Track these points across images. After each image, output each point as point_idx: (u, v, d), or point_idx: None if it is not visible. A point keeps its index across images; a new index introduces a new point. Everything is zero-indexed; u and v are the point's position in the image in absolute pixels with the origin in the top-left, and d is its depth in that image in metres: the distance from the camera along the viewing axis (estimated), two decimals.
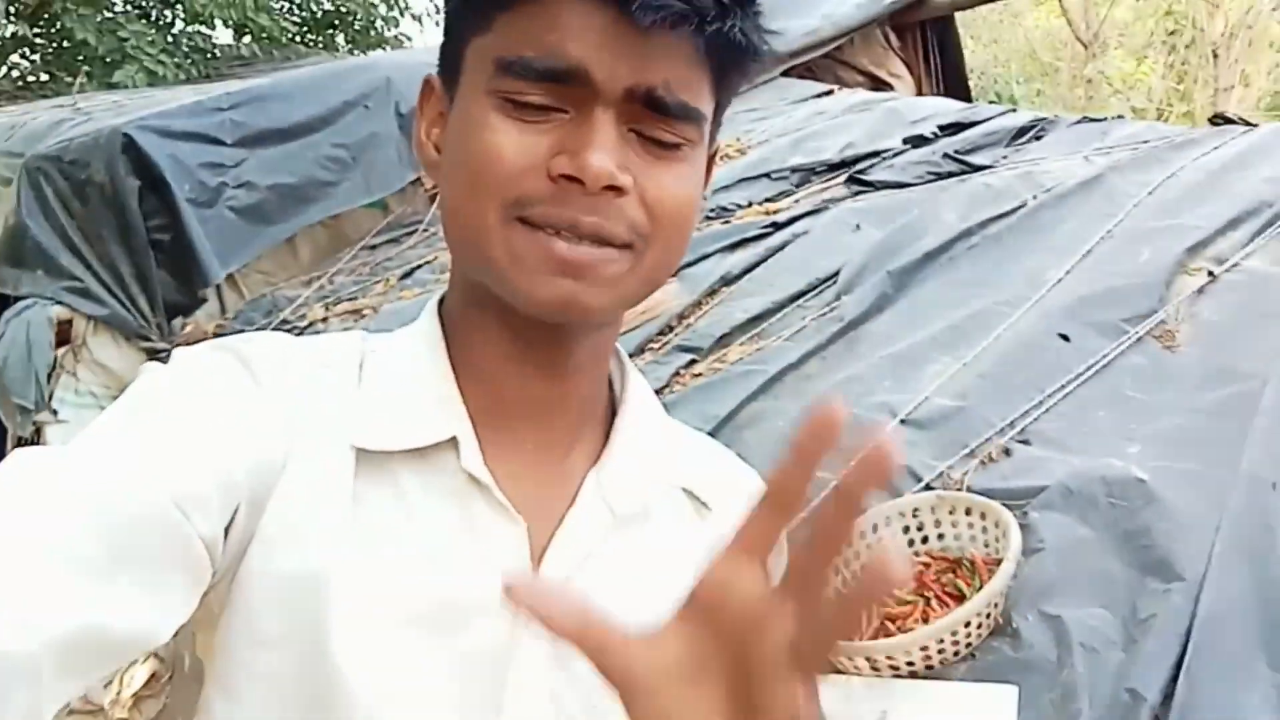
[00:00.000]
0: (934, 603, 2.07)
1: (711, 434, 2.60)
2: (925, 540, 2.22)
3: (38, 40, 9.35)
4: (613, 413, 0.82)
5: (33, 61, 9.53)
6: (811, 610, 0.49)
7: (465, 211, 0.69)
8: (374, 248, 4.09)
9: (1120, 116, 4.84)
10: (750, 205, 3.91)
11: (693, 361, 3.00)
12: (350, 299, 3.69)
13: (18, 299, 3.59)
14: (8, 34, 8.95)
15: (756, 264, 3.48)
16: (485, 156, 0.67)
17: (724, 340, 3.08)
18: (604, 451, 0.78)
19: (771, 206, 3.90)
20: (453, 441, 0.71)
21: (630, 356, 2.72)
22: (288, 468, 0.68)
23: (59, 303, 3.52)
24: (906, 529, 2.23)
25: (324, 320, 3.52)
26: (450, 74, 0.74)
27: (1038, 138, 4.36)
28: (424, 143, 0.77)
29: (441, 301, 0.80)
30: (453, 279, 0.78)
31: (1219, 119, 4.56)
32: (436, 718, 0.69)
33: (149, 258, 3.54)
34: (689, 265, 3.47)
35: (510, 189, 0.67)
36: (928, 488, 2.36)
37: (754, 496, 0.57)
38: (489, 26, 0.69)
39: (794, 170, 4.15)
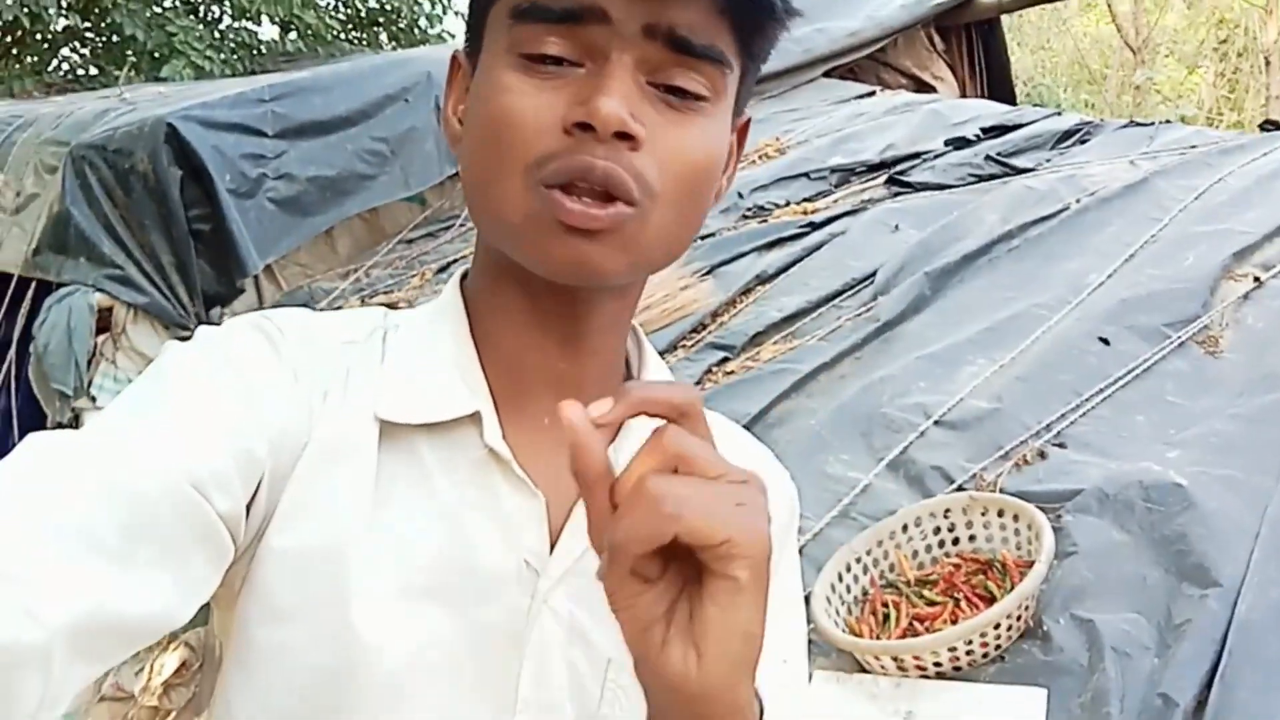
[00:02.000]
0: (964, 604, 2.04)
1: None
2: (956, 541, 2.19)
3: (88, 34, 9.50)
4: None
5: (82, 55, 9.69)
6: None
7: (486, 178, 0.68)
8: (410, 241, 4.11)
9: (1167, 121, 4.76)
10: (788, 205, 3.89)
11: (725, 359, 2.99)
12: (386, 292, 3.70)
13: (60, 285, 3.64)
14: (59, 28, 9.11)
15: (792, 263, 3.47)
16: (502, 119, 0.66)
17: (757, 339, 3.07)
18: (621, 426, 0.78)
19: (809, 206, 3.87)
20: (474, 416, 0.71)
21: (662, 353, 2.70)
22: (310, 442, 0.68)
23: (100, 290, 3.56)
24: (938, 529, 2.20)
25: None
26: (474, 46, 0.72)
27: (1083, 141, 4.31)
28: (450, 118, 0.75)
29: (464, 277, 0.79)
30: (477, 253, 0.78)
31: (1269, 125, 4.48)
32: (456, 688, 0.69)
33: (189, 247, 3.57)
34: (724, 264, 3.46)
35: (529, 150, 0.65)
36: (960, 489, 2.33)
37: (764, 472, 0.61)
38: None
39: (833, 170, 4.12)
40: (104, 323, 3.59)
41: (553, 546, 0.72)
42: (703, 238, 3.62)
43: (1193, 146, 4.00)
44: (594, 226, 0.65)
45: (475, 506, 0.71)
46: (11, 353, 3.86)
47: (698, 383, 2.85)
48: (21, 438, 0.61)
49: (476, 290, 0.76)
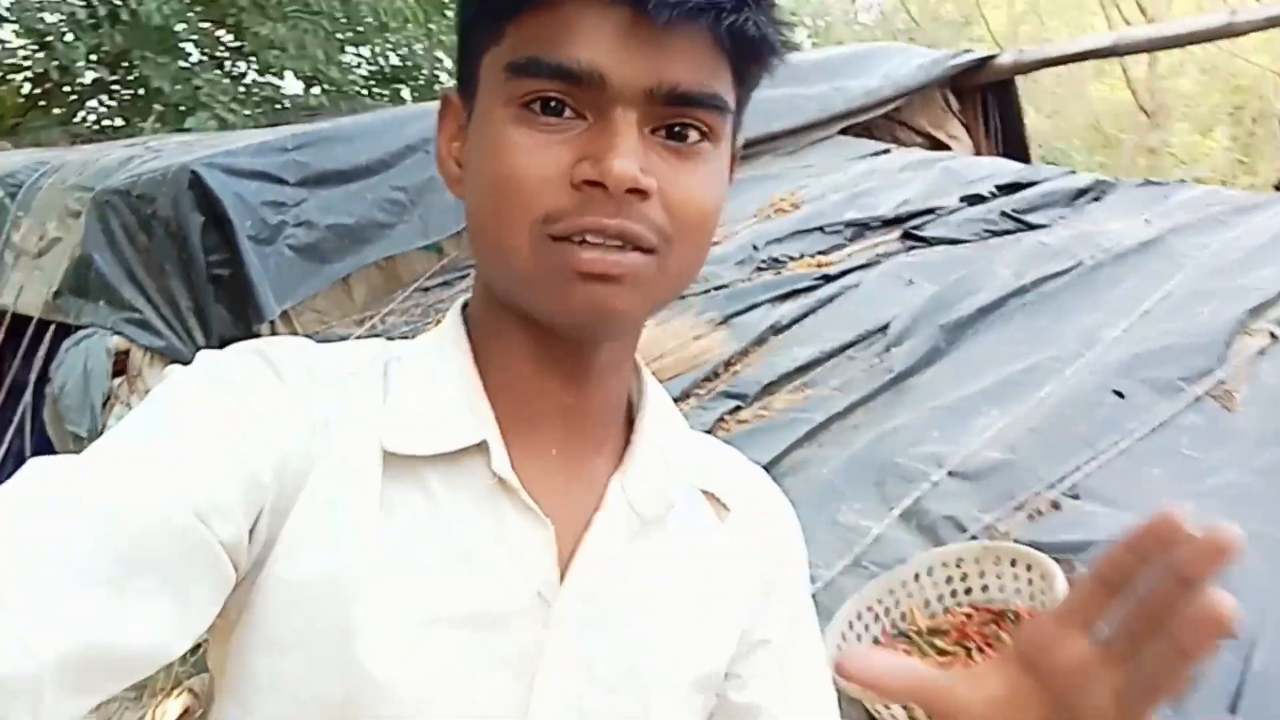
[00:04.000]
0: (976, 654, 2.02)
1: None
2: (969, 591, 2.16)
3: (114, 87, 9.67)
4: (631, 418, 0.81)
5: (109, 107, 9.86)
6: (1133, 666, 0.53)
7: (492, 232, 0.69)
8: (427, 290, 4.14)
9: (1182, 180, 4.78)
10: (802, 257, 3.90)
11: (738, 408, 2.98)
12: (402, 339, 3.72)
13: (78, 328, 3.67)
14: (88, 80, 9.28)
15: (806, 314, 3.47)
16: (508, 176, 0.66)
17: (770, 388, 3.06)
18: (626, 455, 0.78)
19: (823, 259, 3.89)
20: (481, 446, 0.71)
21: (675, 402, 2.71)
22: (314, 471, 0.68)
23: (118, 333, 3.59)
24: (950, 579, 2.18)
25: None
26: (467, 88, 0.73)
27: (1097, 199, 4.32)
28: (445, 158, 0.76)
29: (465, 306, 0.79)
30: (477, 285, 0.78)
31: None
32: (466, 718, 0.69)
33: (208, 292, 3.60)
34: (738, 314, 3.47)
35: (536, 207, 0.66)
36: (973, 539, 2.31)
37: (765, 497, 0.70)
38: (500, 36, 0.68)
39: (847, 225, 4.14)
40: (121, 366, 3.61)
41: (562, 575, 0.72)
42: (717, 288, 3.63)
43: (1207, 206, 4.01)
44: (613, 272, 0.66)
45: (484, 536, 0.70)
46: (28, 395, 3.88)
47: (709, 430, 2.84)
48: None
49: (479, 322, 0.76)
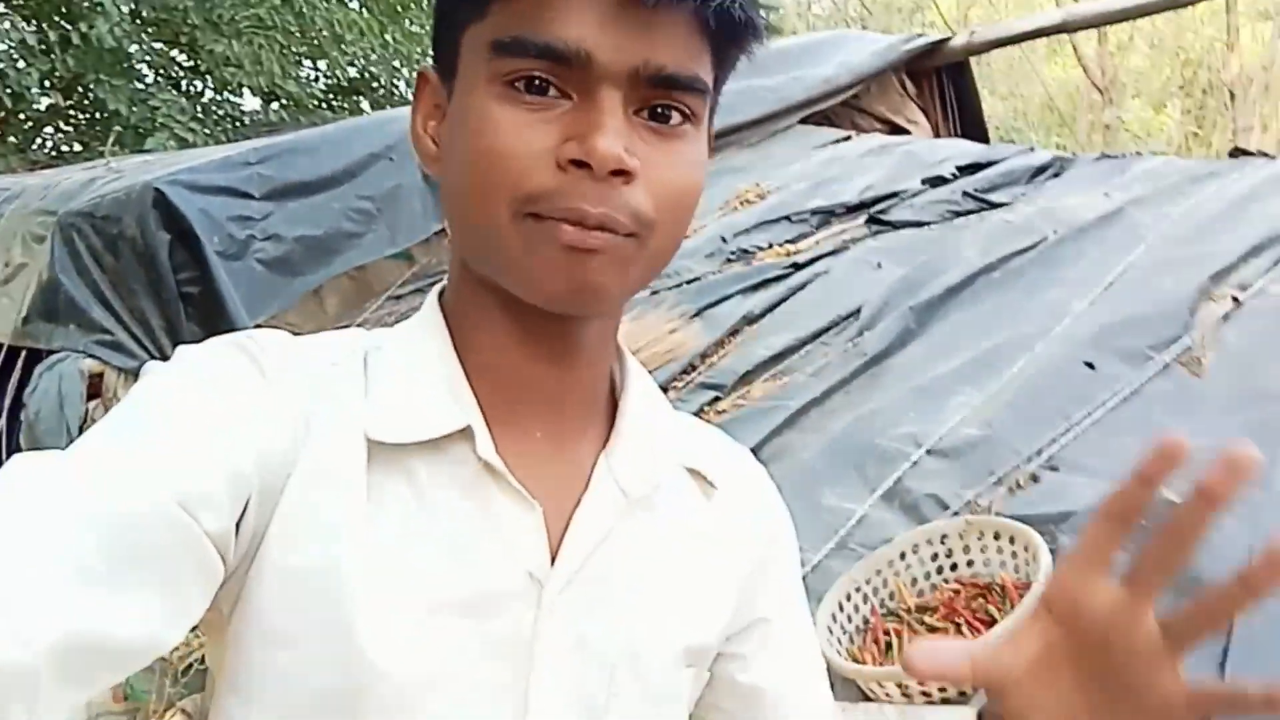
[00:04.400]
0: (965, 629, 2.05)
1: None
2: (955, 567, 2.20)
3: (71, 112, 9.58)
4: (614, 399, 0.82)
5: (65, 132, 9.77)
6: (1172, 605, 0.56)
7: (474, 210, 0.68)
8: (399, 298, 4.13)
9: (1138, 153, 4.85)
10: (771, 247, 3.94)
11: (716, 399, 3.00)
12: None
13: (50, 353, 3.64)
14: (43, 107, 9.18)
15: (778, 303, 3.50)
16: (491, 153, 0.66)
17: (747, 377, 3.09)
18: (611, 436, 0.78)
19: (792, 248, 3.92)
20: (465, 431, 0.71)
21: None
22: (299, 462, 0.67)
23: (91, 355, 3.56)
24: (935, 555, 2.21)
25: None
26: (446, 66, 0.72)
27: (1056, 175, 4.38)
28: (421, 135, 0.76)
29: (440, 293, 0.79)
30: (453, 271, 0.77)
31: (1238, 152, 4.57)
32: (465, 703, 0.69)
33: (179, 310, 3.58)
34: (711, 306, 3.50)
35: (520, 185, 0.66)
36: (955, 515, 2.34)
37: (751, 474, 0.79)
38: (483, 14, 0.68)
39: (814, 213, 4.18)
40: (95, 388, 3.58)
41: (552, 557, 0.73)
42: (689, 282, 3.65)
43: (1165, 176, 4.08)
44: (591, 245, 0.66)
45: (473, 521, 0.70)
46: (2, 422, 3.85)
47: None
48: None
49: (457, 307, 0.76)
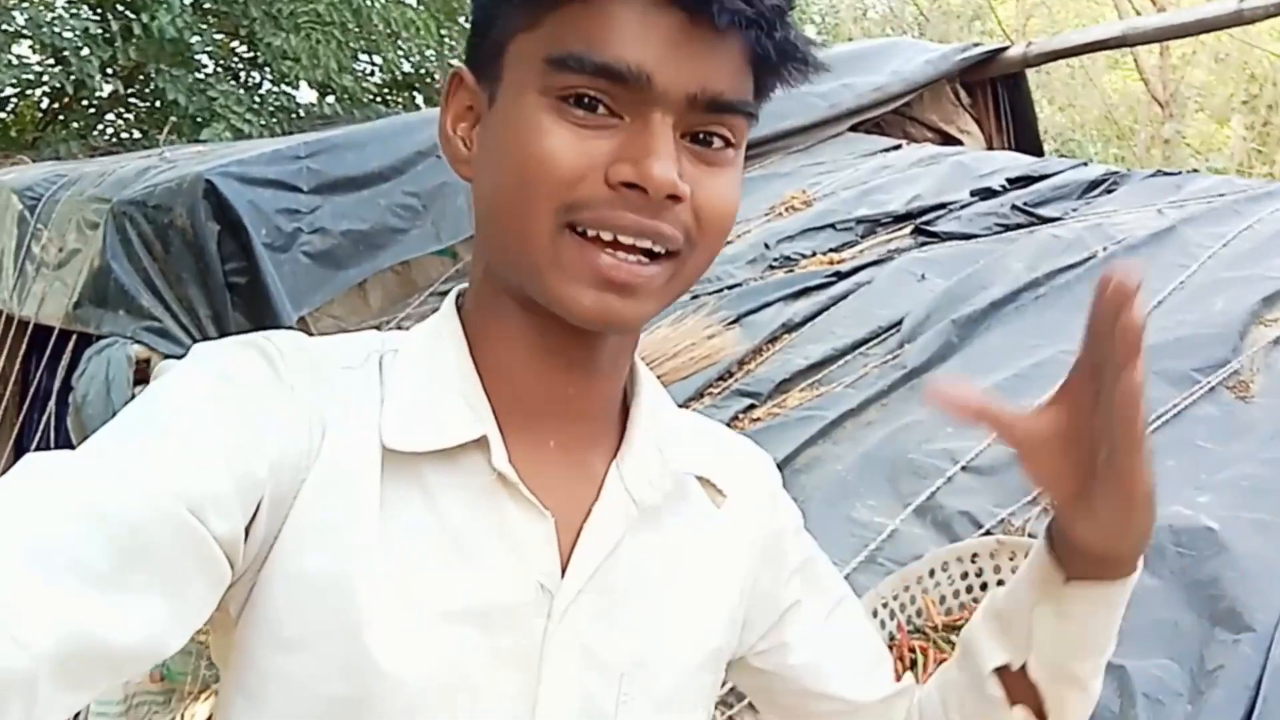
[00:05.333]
0: None
1: None
2: (985, 587, 2.16)
3: (131, 100, 9.75)
4: (625, 407, 0.82)
5: (126, 120, 9.95)
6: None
7: (512, 214, 0.68)
8: (442, 294, 4.15)
9: (1195, 170, 4.76)
10: (814, 255, 3.91)
11: (751, 406, 2.99)
12: None
13: (99, 338, 3.70)
14: (105, 93, 9.36)
15: (819, 312, 3.48)
16: (540, 160, 0.66)
17: (784, 386, 3.07)
18: (622, 445, 0.79)
19: (836, 257, 3.89)
20: (479, 441, 0.71)
21: (689, 401, 2.70)
22: (315, 466, 0.68)
23: (138, 341, 3.62)
24: (965, 574, 2.18)
25: None
26: (486, 69, 0.72)
27: (1109, 191, 4.31)
28: (451, 136, 0.76)
29: (458, 296, 0.79)
30: (475, 277, 0.77)
31: None
32: (474, 712, 0.70)
33: (225, 299, 3.63)
34: (751, 313, 3.48)
35: (566, 193, 0.66)
36: (988, 534, 2.32)
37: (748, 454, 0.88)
38: (537, 23, 0.67)
39: (859, 221, 4.14)
40: (142, 374, 3.64)
41: (563, 567, 0.73)
42: (730, 287, 3.64)
43: (1221, 195, 3.99)
44: (633, 283, 0.67)
45: (485, 530, 0.71)
46: (51, 404, 3.92)
47: None
48: None
49: (477, 315, 0.76)
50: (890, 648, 2.12)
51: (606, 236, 0.66)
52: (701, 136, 0.69)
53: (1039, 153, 6.20)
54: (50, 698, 0.53)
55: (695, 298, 3.51)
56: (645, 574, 0.77)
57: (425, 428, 0.70)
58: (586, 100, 0.66)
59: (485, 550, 0.71)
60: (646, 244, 0.67)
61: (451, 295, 0.79)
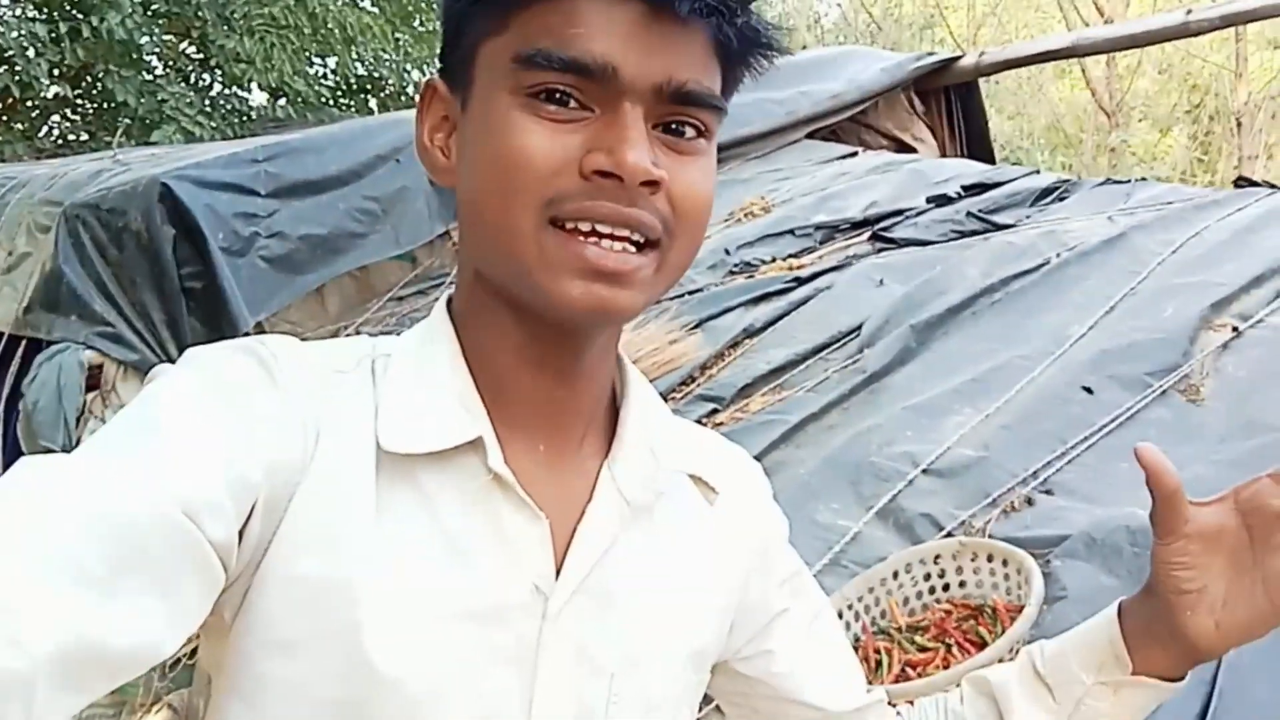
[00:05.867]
0: (955, 649, 2.05)
1: None
2: (947, 588, 2.20)
3: (79, 101, 9.58)
4: (615, 407, 0.82)
5: (73, 121, 9.77)
6: None
7: (495, 214, 0.68)
8: (401, 299, 4.14)
9: (1144, 179, 4.86)
10: (774, 261, 3.94)
11: (714, 411, 3.01)
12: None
13: (51, 343, 3.64)
14: (50, 95, 9.19)
15: (779, 317, 3.51)
16: (515, 158, 0.66)
17: (746, 390, 3.09)
18: (613, 444, 0.79)
19: (795, 262, 3.93)
20: (475, 443, 0.71)
21: None
22: (308, 471, 0.67)
23: (91, 347, 3.57)
24: (928, 575, 2.21)
25: None
26: (458, 77, 0.72)
27: (1061, 198, 4.39)
28: (429, 147, 0.75)
29: (449, 302, 0.79)
30: (462, 281, 0.77)
31: (1243, 181, 4.58)
32: (472, 711, 0.70)
33: (181, 304, 3.59)
34: (712, 318, 3.50)
35: (544, 189, 0.66)
36: (949, 535, 2.35)
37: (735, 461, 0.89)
38: (504, 26, 0.68)
39: (818, 228, 4.19)
40: (94, 380, 3.59)
41: (557, 567, 0.73)
42: (691, 293, 3.66)
43: (1169, 203, 4.08)
44: (620, 269, 0.67)
45: (480, 532, 0.71)
46: (0, 411, 3.85)
47: None
48: None
49: (467, 317, 0.76)
50: (856, 649, 2.15)
51: (586, 228, 0.67)
52: (674, 126, 0.69)
53: (991, 160, 6.30)
54: (48, 700, 0.52)
55: (658, 302, 3.53)
56: (638, 574, 0.77)
57: (421, 430, 0.70)
58: (557, 95, 0.66)
59: (480, 552, 0.70)
60: (626, 233, 0.68)
61: (443, 299, 0.79)
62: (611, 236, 0.67)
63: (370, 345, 0.76)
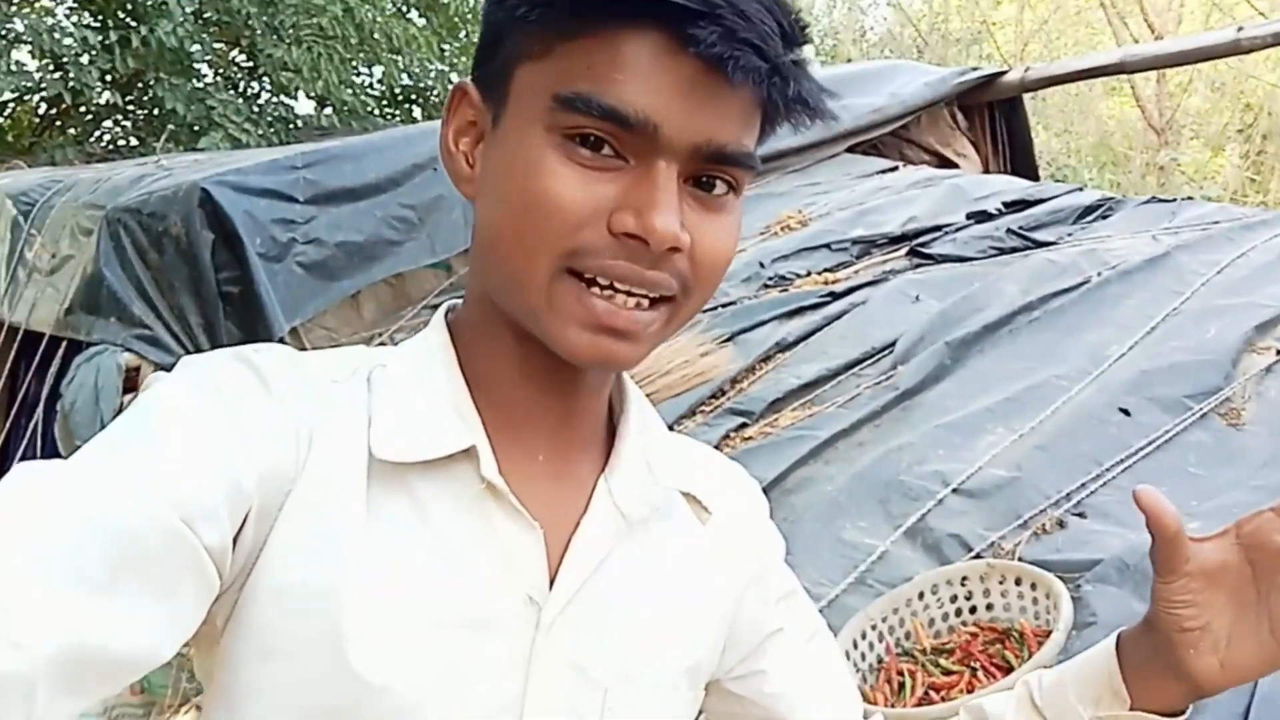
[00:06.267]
0: (980, 673, 2.01)
1: None
2: (974, 610, 2.16)
3: (129, 108, 9.75)
4: (613, 421, 0.82)
5: (124, 127, 9.94)
6: None
7: (513, 253, 0.68)
8: (435, 307, 4.14)
9: (1190, 198, 4.78)
10: (809, 275, 3.91)
11: (744, 425, 2.99)
12: None
13: (89, 344, 3.69)
14: (102, 101, 9.35)
15: (813, 332, 3.48)
16: (544, 202, 0.65)
17: (776, 405, 3.07)
18: (611, 459, 0.79)
19: (830, 276, 3.90)
20: (468, 452, 0.71)
21: (681, 418, 2.69)
22: (300, 479, 0.68)
23: (129, 349, 3.61)
24: (955, 597, 2.17)
25: None
26: (492, 89, 0.71)
27: (1104, 216, 4.32)
28: (454, 152, 0.74)
29: (448, 311, 0.79)
30: (471, 291, 0.77)
31: None
32: None
33: (218, 309, 3.62)
34: (745, 331, 3.48)
35: (567, 239, 0.66)
36: (978, 557, 2.31)
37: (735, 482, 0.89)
38: (547, 53, 0.66)
39: (854, 242, 4.15)
40: (131, 382, 3.63)
41: (551, 578, 0.73)
42: (724, 305, 3.64)
43: (1215, 222, 4.00)
44: (629, 329, 0.67)
45: (473, 541, 0.71)
46: (40, 411, 3.91)
47: (716, 447, 2.84)
48: None
49: (468, 329, 0.76)
50: (879, 670, 2.11)
51: (604, 282, 0.67)
52: (704, 180, 0.69)
53: (1035, 177, 6.22)
54: (49, 702, 0.53)
55: None
56: (632, 588, 0.77)
57: (414, 438, 0.70)
58: (592, 140, 0.65)
59: (474, 561, 0.70)
60: (643, 292, 0.68)
61: (441, 309, 0.79)
62: (627, 294, 0.67)
63: (367, 355, 0.77)
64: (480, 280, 0.75)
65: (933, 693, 2.01)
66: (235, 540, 0.64)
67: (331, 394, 0.72)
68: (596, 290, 0.67)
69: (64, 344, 3.87)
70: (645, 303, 0.68)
